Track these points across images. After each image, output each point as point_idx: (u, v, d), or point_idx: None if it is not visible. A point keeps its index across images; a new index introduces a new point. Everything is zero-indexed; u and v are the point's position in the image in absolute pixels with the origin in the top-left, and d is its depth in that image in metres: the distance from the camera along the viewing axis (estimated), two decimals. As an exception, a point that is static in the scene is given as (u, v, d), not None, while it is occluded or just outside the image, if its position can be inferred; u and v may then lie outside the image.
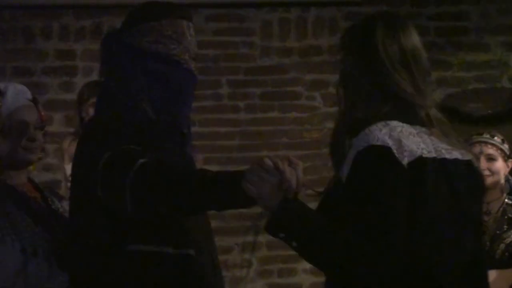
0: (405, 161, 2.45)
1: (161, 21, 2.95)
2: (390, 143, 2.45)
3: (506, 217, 4.52)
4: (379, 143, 2.45)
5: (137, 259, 2.81)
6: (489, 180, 4.34)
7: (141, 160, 2.71)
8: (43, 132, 3.48)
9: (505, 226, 4.50)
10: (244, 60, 6.63)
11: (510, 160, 4.66)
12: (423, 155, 2.48)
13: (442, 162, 2.52)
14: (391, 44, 2.56)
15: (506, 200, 4.57)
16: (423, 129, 2.56)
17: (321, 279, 6.03)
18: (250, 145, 6.56)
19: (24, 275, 3.17)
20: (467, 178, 2.61)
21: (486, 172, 4.38)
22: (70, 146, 4.42)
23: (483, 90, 6.68)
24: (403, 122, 2.52)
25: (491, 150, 4.55)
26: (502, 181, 4.58)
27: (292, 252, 5.41)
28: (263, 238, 5.81)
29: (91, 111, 4.48)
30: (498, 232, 4.51)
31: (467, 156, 2.65)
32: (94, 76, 5.97)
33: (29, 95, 3.44)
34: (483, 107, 6.59)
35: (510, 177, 4.72)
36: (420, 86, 2.54)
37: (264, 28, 6.66)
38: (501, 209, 4.55)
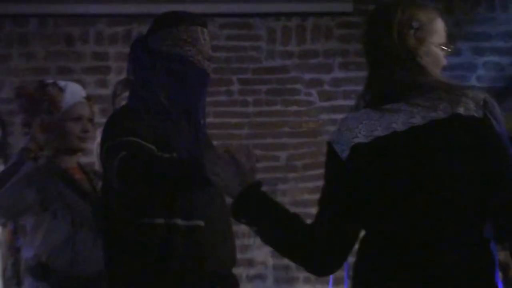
0: (345, 153, 2.43)
1: (178, 27, 3.10)
2: (333, 136, 2.49)
3: None
4: (329, 138, 2.56)
5: (148, 231, 2.94)
6: None
7: (123, 152, 2.85)
8: (92, 123, 3.78)
9: None
10: (252, 61, 6.73)
11: None
12: (357, 142, 2.41)
13: (376, 141, 2.41)
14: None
15: None
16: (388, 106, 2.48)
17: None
18: (257, 134, 6.67)
19: (73, 242, 3.40)
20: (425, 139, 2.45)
21: None
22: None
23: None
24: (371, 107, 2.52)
25: None
26: None
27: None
28: None
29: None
30: None
31: (443, 115, 2.44)
32: (125, 75, 6.54)
33: (83, 93, 3.71)
34: None
35: None
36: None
37: (269, 35, 6.76)
38: None
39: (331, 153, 2.45)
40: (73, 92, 3.63)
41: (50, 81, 3.69)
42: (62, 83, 3.65)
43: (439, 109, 2.36)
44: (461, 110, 2.35)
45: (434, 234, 2.31)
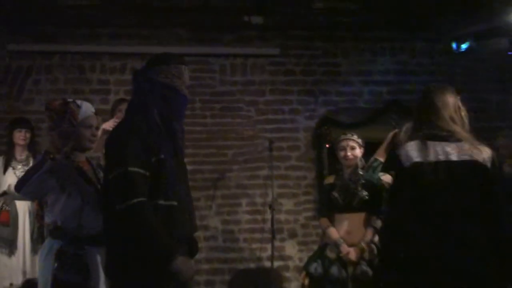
0: (406, 164, 3.27)
1: (170, 65, 3.22)
2: (401, 153, 3.34)
3: (359, 182, 4.76)
4: (397, 152, 3.37)
5: (139, 209, 2.96)
6: (352, 161, 4.82)
7: (139, 199, 2.94)
8: (99, 130, 3.91)
9: (359, 188, 4.73)
10: (209, 87, 7.16)
11: (362, 148, 4.90)
12: (416, 160, 3.23)
13: (428, 163, 3.22)
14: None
15: (360, 172, 4.77)
16: (443, 143, 3.29)
17: (251, 216, 6.88)
18: (212, 138, 7.08)
19: (80, 213, 3.48)
20: (461, 170, 3.23)
21: (350, 156, 4.83)
22: (101, 137, 4.31)
23: (349, 108, 7.23)
24: (427, 140, 3.28)
25: (352, 143, 4.84)
26: (358, 160, 4.85)
27: (236, 200, 6.37)
28: (219, 192, 6.94)
29: (120, 115, 4.90)
30: (354, 191, 4.76)
31: (468, 157, 3.24)
32: (121, 95, 6.59)
33: (93, 108, 3.80)
34: (348, 118, 7.05)
35: (362, 159, 4.87)
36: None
37: (221, 69, 7.21)
38: (356, 177, 4.80)
39: (399, 161, 3.31)
40: (86, 108, 3.71)
41: (70, 99, 3.76)
42: (78, 101, 3.74)
43: (467, 154, 3.15)
44: (479, 158, 3.21)
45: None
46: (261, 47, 7.27)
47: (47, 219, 3.59)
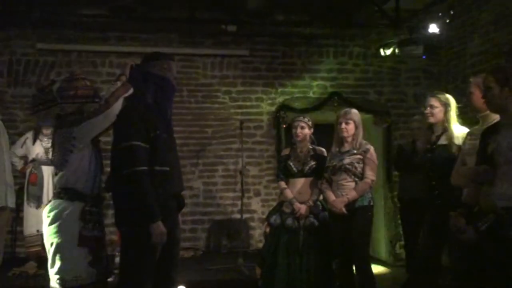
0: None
1: (162, 60, 3.17)
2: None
3: (310, 154, 4.67)
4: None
5: (139, 174, 2.92)
6: (301, 137, 4.66)
7: (140, 168, 2.90)
8: None
9: (309, 158, 4.64)
10: (193, 79, 7.09)
11: (312, 128, 4.70)
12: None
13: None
14: None
15: (310, 146, 4.70)
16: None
17: (226, 180, 6.89)
18: (196, 119, 7.04)
19: (95, 179, 3.24)
20: None
21: (300, 134, 4.65)
22: None
23: (301, 97, 7.19)
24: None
25: (302, 123, 4.67)
26: (307, 138, 4.69)
27: (214, 167, 6.40)
28: (201, 160, 7.18)
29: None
30: (305, 161, 4.64)
31: None
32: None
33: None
34: (300, 105, 7.04)
35: (312, 136, 4.73)
36: None
37: (203, 65, 7.15)
38: (307, 150, 4.69)
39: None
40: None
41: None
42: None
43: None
44: None
45: None
46: (235, 49, 7.23)
47: (66, 184, 3.17)
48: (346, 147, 4.46)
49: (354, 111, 4.55)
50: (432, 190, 3.89)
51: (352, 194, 4.32)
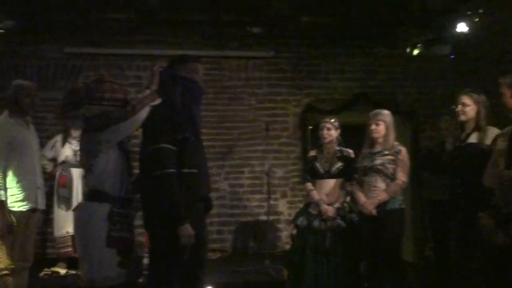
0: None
1: (190, 63, 3.21)
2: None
3: (336, 155, 4.68)
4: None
5: (166, 176, 2.96)
6: (328, 139, 4.69)
7: (168, 170, 2.92)
8: None
9: (336, 159, 4.65)
10: (219, 81, 7.09)
11: (338, 129, 4.73)
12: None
13: None
14: None
15: (337, 148, 4.70)
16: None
17: (252, 181, 6.87)
18: (222, 121, 7.04)
19: (122, 180, 3.19)
20: None
21: (326, 135, 4.68)
22: None
23: (327, 99, 7.20)
24: None
25: (328, 125, 4.69)
26: (334, 139, 4.70)
27: (240, 169, 6.32)
28: (227, 162, 6.95)
29: None
30: (332, 162, 4.66)
31: None
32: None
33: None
34: (326, 106, 7.00)
35: (339, 137, 4.75)
36: None
37: (229, 68, 7.17)
38: (334, 152, 4.70)
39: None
40: None
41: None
42: None
43: None
44: None
45: None
46: (260, 51, 7.22)
47: (94, 186, 3.18)
48: (378, 148, 4.44)
49: (385, 112, 4.53)
50: (458, 189, 3.85)
51: (383, 196, 4.30)
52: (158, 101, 3.14)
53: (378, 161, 4.35)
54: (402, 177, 4.31)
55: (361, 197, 4.41)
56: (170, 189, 2.93)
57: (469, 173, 3.72)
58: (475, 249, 3.82)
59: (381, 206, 4.28)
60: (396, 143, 4.43)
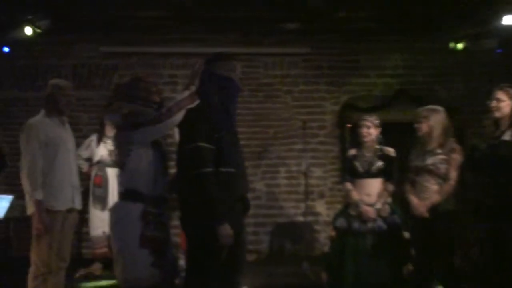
0: None
1: (227, 61, 3.24)
2: None
3: (377, 154, 4.66)
4: None
5: (204, 175, 2.99)
6: (367, 137, 4.69)
7: (206, 169, 2.95)
8: None
9: (376, 158, 4.63)
10: (254, 79, 7.11)
11: (379, 128, 4.71)
12: None
13: None
14: None
15: (377, 146, 4.68)
16: None
17: (288, 181, 6.88)
18: (257, 119, 7.05)
19: (155, 179, 3.24)
20: None
21: (365, 134, 4.69)
22: None
23: (366, 96, 7.14)
24: None
25: (368, 123, 4.68)
26: (374, 138, 4.69)
27: (276, 168, 6.37)
28: (263, 162, 7.00)
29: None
30: (372, 161, 4.64)
31: None
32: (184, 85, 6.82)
33: None
34: (365, 104, 6.95)
35: (379, 135, 4.72)
36: None
37: (264, 65, 7.18)
38: (374, 150, 4.68)
39: None
40: None
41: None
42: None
43: None
44: None
45: None
46: (296, 48, 7.19)
47: (127, 185, 3.24)
48: (429, 146, 4.39)
49: (431, 108, 4.48)
50: (487, 190, 3.80)
51: (435, 197, 4.25)
52: (196, 102, 3.17)
53: (430, 160, 4.31)
54: (455, 177, 4.25)
55: (413, 198, 4.37)
56: (209, 188, 2.95)
57: (502, 173, 3.64)
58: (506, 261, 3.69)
59: (433, 207, 4.23)
60: (451, 140, 4.34)
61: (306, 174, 6.18)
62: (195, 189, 2.98)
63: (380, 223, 4.53)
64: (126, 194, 3.20)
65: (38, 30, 6.03)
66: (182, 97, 3.19)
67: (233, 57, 3.31)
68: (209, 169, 2.98)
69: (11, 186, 5.84)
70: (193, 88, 3.20)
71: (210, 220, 2.95)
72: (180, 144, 3.17)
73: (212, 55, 3.31)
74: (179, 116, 3.14)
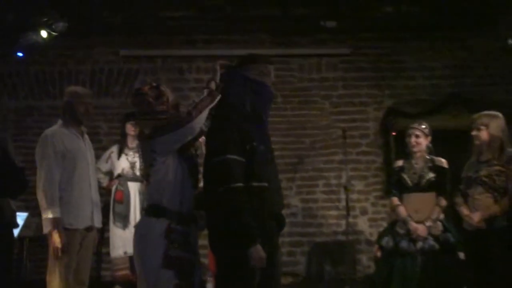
0: None
1: (259, 64, 3.21)
2: None
3: (427, 165, 4.66)
4: None
5: (238, 192, 2.95)
6: (416, 147, 4.70)
7: (236, 185, 2.92)
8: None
9: (426, 170, 4.64)
10: (288, 83, 7.17)
11: (429, 136, 4.73)
12: None
13: None
14: None
15: (427, 156, 4.70)
16: None
17: (327, 196, 6.89)
18: (291, 128, 7.11)
19: (182, 193, 3.17)
20: None
21: (413, 143, 4.70)
22: None
23: (412, 100, 7.11)
24: None
25: (417, 132, 4.70)
26: (424, 147, 4.70)
27: (313, 182, 6.40)
28: (298, 175, 7.19)
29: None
30: (422, 173, 4.64)
31: None
32: None
33: None
34: (412, 109, 6.88)
35: (429, 145, 4.75)
36: None
37: (299, 68, 7.23)
38: (424, 161, 4.69)
39: None
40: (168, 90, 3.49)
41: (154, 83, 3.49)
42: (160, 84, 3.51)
43: None
44: None
45: None
46: (334, 48, 7.23)
47: (151, 199, 3.22)
48: (485, 156, 4.33)
49: (491, 114, 4.43)
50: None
51: (492, 209, 4.18)
52: (217, 98, 3.15)
53: (484, 171, 4.25)
54: None
55: (464, 209, 4.34)
56: (239, 205, 2.92)
57: None
58: None
59: (488, 223, 4.17)
60: (509, 150, 4.29)
61: (346, 188, 6.15)
62: (224, 206, 2.95)
63: (431, 242, 4.49)
64: (149, 209, 3.18)
65: (53, 33, 6.09)
66: (201, 98, 3.19)
67: (268, 60, 3.30)
68: (240, 184, 2.95)
69: (25, 202, 5.89)
70: (212, 85, 3.19)
71: (240, 241, 2.92)
72: (207, 156, 3.14)
73: (246, 56, 3.31)
74: (201, 119, 3.14)
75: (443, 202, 4.62)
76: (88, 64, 7.15)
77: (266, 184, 3.06)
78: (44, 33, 6.09)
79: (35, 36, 6.08)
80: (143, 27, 6.79)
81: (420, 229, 4.53)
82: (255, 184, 3.01)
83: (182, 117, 3.14)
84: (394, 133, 7.00)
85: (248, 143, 3.03)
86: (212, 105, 3.15)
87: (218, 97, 3.16)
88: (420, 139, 4.71)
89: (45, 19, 6.01)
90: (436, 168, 4.64)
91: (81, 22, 6.42)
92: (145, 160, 3.28)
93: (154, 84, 3.42)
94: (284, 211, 3.32)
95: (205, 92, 3.19)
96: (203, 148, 3.43)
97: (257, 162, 3.03)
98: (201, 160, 3.30)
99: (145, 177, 3.28)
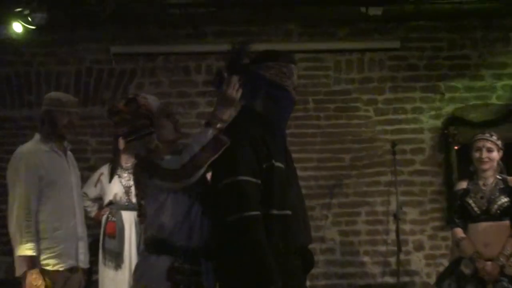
0: None
1: (281, 62, 3.19)
2: None
3: (498, 187, 4.74)
4: None
5: (254, 221, 2.92)
6: (488, 164, 4.77)
7: (251, 213, 2.91)
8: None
9: (497, 193, 4.71)
10: (322, 86, 7.17)
11: (501, 150, 4.83)
12: None
13: None
14: None
15: (498, 176, 4.80)
16: None
17: (372, 227, 6.84)
18: (327, 141, 7.09)
19: (188, 221, 3.16)
20: None
21: (486, 159, 4.76)
22: None
23: (479, 105, 7.11)
24: None
25: (489, 144, 4.77)
26: (495, 164, 4.82)
27: (354, 209, 6.40)
28: (336, 200, 7.04)
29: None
30: (492, 197, 4.71)
31: None
32: None
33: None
34: (479, 117, 6.96)
35: (500, 162, 4.87)
36: None
37: (335, 66, 7.21)
38: (494, 182, 4.79)
39: None
40: (153, 99, 3.47)
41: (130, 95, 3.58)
42: (142, 94, 3.50)
43: None
44: None
45: None
46: (380, 41, 7.25)
47: (149, 232, 3.25)
48: None
49: None
50: None
51: None
52: (226, 146, 3.06)
53: None
54: None
55: None
56: (255, 239, 2.89)
57: None
58: None
59: None
60: None
61: (396, 217, 6.11)
62: (235, 240, 2.94)
63: (505, 284, 4.51)
64: (151, 245, 3.19)
65: (30, 27, 6.09)
66: (200, 141, 3.09)
67: (290, 58, 3.30)
68: (256, 212, 2.93)
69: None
70: (224, 115, 3.11)
71: (257, 283, 2.88)
72: (214, 178, 3.16)
73: (263, 52, 3.31)
74: (199, 173, 3.10)
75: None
76: (72, 64, 7.16)
77: (289, 212, 3.06)
78: (18, 27, 6.07)
79: (6, 30, 6.08)
80: (139, 18, 6.82)
81: (491, 268, 4.54)
82: (275, 212, 3.01)
83: (184, 165, 3.06)
84: (457, 147, 6.97)
85: (265, 161, 3.03)
86: (215, 157, 3.08)
87: (226, 146, 3.07)
88: (493, 153, 4.77)
89: (20, 9, 5.97)
90: (509, 191, 4.69)
91: (63, 13, 6.44)
92: (138, 187, 3.29)
93: (131, 96, 3.40)
94: (317, 246, 3.36)
95: (209, 133, 3.08)
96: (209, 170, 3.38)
97: (277, 185, 3.02)
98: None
99: (139, 207, 3.29)
